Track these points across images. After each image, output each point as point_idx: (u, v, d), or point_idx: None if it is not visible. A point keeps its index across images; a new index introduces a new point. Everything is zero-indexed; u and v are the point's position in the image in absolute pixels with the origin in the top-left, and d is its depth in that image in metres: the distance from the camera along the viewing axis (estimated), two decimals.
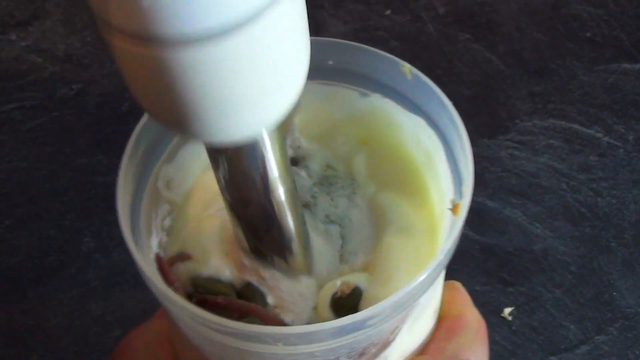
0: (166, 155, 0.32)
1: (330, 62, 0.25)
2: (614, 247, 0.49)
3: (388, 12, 0.63)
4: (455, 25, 0.62)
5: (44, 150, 0.54)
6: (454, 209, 0.29)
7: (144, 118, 0.30)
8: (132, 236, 0.26)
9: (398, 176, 0.34)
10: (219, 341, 0.26)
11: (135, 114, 0.60)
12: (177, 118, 0.23)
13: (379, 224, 0.33)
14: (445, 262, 0.26)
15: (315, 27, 0.62)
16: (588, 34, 0.62)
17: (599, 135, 0.55)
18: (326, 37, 0.66)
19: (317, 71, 0.33)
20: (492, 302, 0.46)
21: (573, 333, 0.45)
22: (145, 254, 0.29)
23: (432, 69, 0.59)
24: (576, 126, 0.56)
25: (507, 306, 0.46)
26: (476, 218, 0.50)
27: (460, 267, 0.48)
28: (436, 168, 0.33)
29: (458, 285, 0.34)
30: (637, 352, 0.44)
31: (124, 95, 0.57)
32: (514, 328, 0.45)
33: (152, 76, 0.21)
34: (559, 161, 0.53)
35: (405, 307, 0.25)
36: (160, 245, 0.31)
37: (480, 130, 0.55)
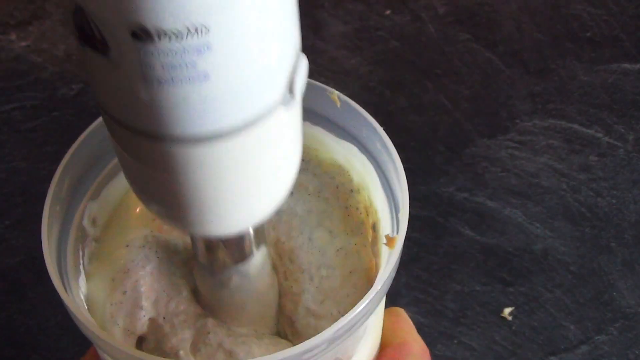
0: (91, 192, 0.32)
1: None
2: (614, 247, 0.49)
3: (388, 12, 0.63)
4: (455, 25, 0.62)
5: (44, 150, 0.54)
6: (390, 242, 0.29)
7: (67, 156, 0.30)
8: (59, 278, 0.27)
9: (332, 206, 0.34)
10: None
11: None
12: (171, 212, 0.24)
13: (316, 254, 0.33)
14: (383, 292, 0.26)
15: (315, 27, 0.62)
16: (588, 34, 0.62)
17: (599, 135, 0.55)
18: (326, 36, 0.66)
19: None
20: (492, 302, 0.46)
21: (573, 333, 0.45)
22: (75, 293, 0.29)
23: (432, 69, 0.59)
24: (576, 126, 0.56)
25: (507, 306, 0.46)
26: (476, 218, 0.50)
27: (460, 267, 0.48)
28: (371, 196, 0.33)
29: (401, 311, 0.34)
30: (637, 352, 0.44)
31: None
32: (514, 328, 0.45)
33: (150, 169, 0.22)
34: (559, 161, 0.53)
35: (343, 338, 0.25)
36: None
37: (480, 130, 0.55)
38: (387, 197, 0.31)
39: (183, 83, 0.19)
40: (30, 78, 0.58)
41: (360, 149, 0.33)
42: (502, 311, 0.46)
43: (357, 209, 0.34)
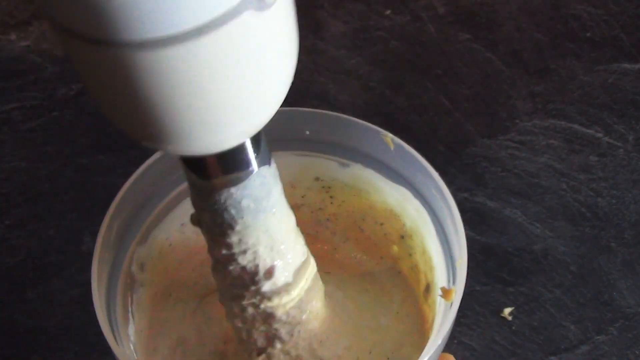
0: (139, 237, 0.31)
1: (307, 133, 0.25)
2: (614, 247, 0.49)
3: (388, 12, 0.63)
4: (455, 25, 0.62)
5: (44, 150, 0.53)
6: (446, 295, 0.28)
7: (116, 200, 0.29)
8: (111, 331, 0.26)
9: (383, 252, 0.33)
10: None
11: None
12: (153, 129, 0.21)
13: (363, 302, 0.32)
14: (442, 346, 0.26)
15: (315, 27, 0.62)
16: (588, 34, 0.62)
17: (599, 135, 0.55)
18: (326, 36, 0.66)
19: (293, 142, 0.31)
20: (492, 302, 0.46)
21: (573, 333, 0.45)
22: (125, 344, 0.28)
23: (432, 69, 0.59)
24: (576, 126, 0.56)
25: (507, 306, 0.46)
26: (476, 218, 0.50)
27: None
28: (425, 243, 0.31)
29: (451, 358, 0.34)
30: (637, 352, 0.44)
31: None
32: (514, 328, 0.45)
33: (121, 82, 0.20)
34: (559, 161, 0.53)
35: None
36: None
37: (480, 130, 0.55)
38: (442, 244, 0.30)
39: None
40: (30, 78, 0.58)
41: (413, 194, 0.31)
42: (502, 311, 0.46)
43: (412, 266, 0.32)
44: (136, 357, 0.29)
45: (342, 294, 0.31)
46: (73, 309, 0.45)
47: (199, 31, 0.18)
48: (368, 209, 0.34)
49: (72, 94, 0.57)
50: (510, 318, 0.46)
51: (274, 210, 0.25)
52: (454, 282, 0.28)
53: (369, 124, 0.30)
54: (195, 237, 0.30)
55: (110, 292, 0.29)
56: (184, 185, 0.29)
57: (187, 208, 0.28)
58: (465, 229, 0.50)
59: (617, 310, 0.46)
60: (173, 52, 0.19)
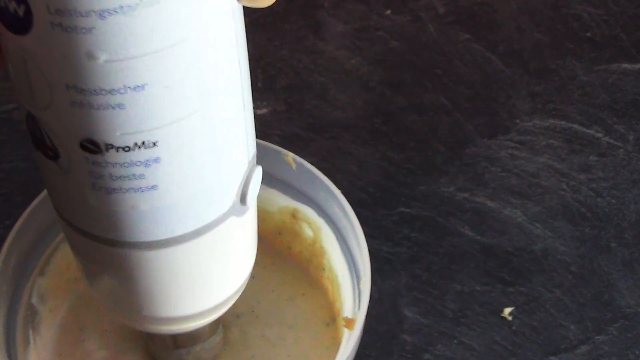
0: (39, 268, 0.31)
1: None
2: (614, 247, 0.49)
3: (388, 12, 0.63)
4: (455, 25, 0.62)
5: None
6: (348, 324, 0.29)
7: (13, 232, 0.29)
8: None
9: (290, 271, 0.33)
10: None
11: None
12: (124, 312, 0.24)
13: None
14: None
15: (315, 27, 0.62)
16: (588, 34, 0.62)
17: (599, 135, 0.55)
18: (326, 36, 0.66)
19: None
20: (492, 302, 0.46)
21: (573, 333, 0.45)
22: None
23: (432, 69, 0.59)
24: (576, 126, 0.56)
25: (507, 306, 0.46)
26: (476, 218, 0.50)
27: (460, 267, 0.48)
28: (331, 262, 0.32)
29: None
30: (637, 352, 0.44)
31: None
32: (514, 328, 0.45)
33: (103, 270, 0.22)
34: (559, 161, 0.53)
35: None
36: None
37: (480, 130, 0.55)
38: (347, 262, 0.30)
39: (131, 192, 0.19)
40: None
41: (317, 212, 0.32)
42: (502, 311, 0.46)
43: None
44: None
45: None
46: None
47: (196, 233, 0.21)
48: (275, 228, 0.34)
49: None
50: (510, 318, 0.46)
51: None
52: (359, 307, 0.28)
53: (269, 144, 0.31)
54: None
55: (10, 324, 0.29)
56: None
57: None
58: (466, 229, 0.50)
59: (617, 310, 0.46)
60: (174, 250, 0.21)
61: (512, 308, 0.46)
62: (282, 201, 0.33)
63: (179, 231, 0.21)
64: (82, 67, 0.16)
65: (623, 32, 0.62)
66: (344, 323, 0.29)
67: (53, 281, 0.32)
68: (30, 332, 0.30)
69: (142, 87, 0.17)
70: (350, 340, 0.27)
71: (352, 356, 0.26)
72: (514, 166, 0.53)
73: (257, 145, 0.29)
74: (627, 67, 0.59)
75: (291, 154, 0.31)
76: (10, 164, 0.53)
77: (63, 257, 0.32)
